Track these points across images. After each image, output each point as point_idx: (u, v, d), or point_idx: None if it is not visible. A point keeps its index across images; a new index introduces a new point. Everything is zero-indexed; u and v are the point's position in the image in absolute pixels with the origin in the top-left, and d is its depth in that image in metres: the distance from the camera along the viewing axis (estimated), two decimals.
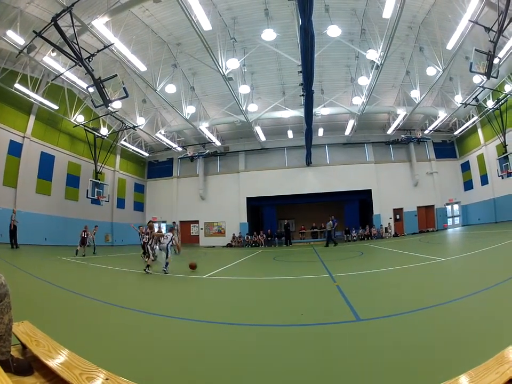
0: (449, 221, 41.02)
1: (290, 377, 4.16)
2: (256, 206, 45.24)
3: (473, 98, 30.58)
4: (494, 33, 19.04)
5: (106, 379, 2.71)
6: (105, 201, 35.92)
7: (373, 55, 23.13)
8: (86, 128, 33.20)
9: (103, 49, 20.87)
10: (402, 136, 38.32)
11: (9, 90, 26.26)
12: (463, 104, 30.81)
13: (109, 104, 24.51)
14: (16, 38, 21.41)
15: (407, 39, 25.89)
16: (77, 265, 18.61)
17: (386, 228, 39.02)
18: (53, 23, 17.49)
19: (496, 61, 21.70)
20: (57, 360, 3.10)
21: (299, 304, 8.40)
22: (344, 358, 4.68)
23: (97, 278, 14.84)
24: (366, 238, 37.70)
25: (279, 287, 11.22)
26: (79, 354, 3.23)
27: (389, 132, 38.27)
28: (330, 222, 31.98)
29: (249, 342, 5.64)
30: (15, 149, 28.47)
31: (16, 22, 21.11)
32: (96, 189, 33.60)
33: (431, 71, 26.22)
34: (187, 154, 42.44)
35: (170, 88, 28.97)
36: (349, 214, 41.98)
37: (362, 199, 42.04)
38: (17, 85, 26.40)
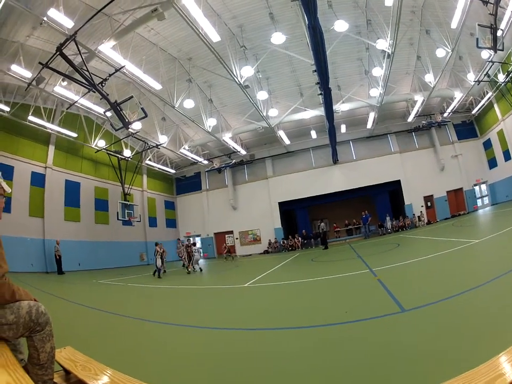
0: (479, 202, 40.36)
1: (346, 375, 4.18)
2: (289, 209, 45.14)
3: (484, 75, 30.10)
4: (492, 5, 19.02)
5: None
6: (137, 221, 36.13)
7: (383, 44, 22.98)
8: (108, 152, 33.58)
9: (114, 73, 21.04)
10: (423, 122, 37.82)
11: (23, 123, 26.62)
12: (476, 81, 30.33)
13: (129, 126, 24.69)
14: (22, 72, 21.66)
15: (412, 23, 25.63)
16: (114, 287, 18.88)
17: (419, 217, 38.57)
18: (58, 53, 17.65)
19: (499, 33, 21.52)
20: (106, 382, 3.10)
21: (343, 301, 8.49)
22: (393, 350, 4.69)
23: (132, 297, 15.06)
24: (400, 229, 37.19)
25: (322, 288, 11.23)
26: (129, 375, 3.16)
27: (409, 119, 37.86)
28: (323, 223, 32.17)
29: (298, 345, 5.62)
30: (37, 180, 28.93)
31: (18, 56, 21.32)
32: (126, 210, 33.98)
33: (440, 52, 25.96)
34: (214, 167, 42.63)
35: (189, 103, 29.02)
36: (380, 207, 41.50)
37: (392, 190, 41.70)
38: (31, 117, 26.67)
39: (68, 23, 17.68)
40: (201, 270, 24.54)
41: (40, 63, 19.10)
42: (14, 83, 24.58)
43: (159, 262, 21.68)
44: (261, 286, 13.70)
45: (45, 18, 17.38)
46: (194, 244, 27.76)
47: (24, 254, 25.43)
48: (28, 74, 21.94)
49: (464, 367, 2.27)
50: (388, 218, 38.34)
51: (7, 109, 25.28)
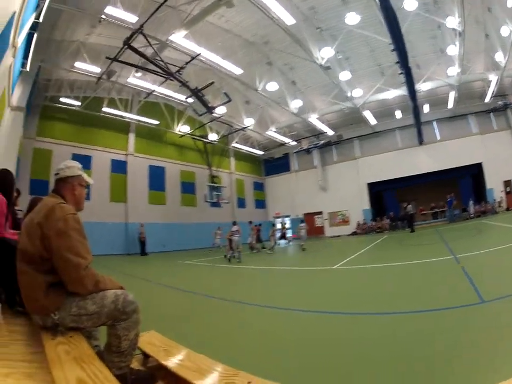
0: None
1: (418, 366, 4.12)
2: (377, 190, 44.51)
3: None
4: None
5: (249, 382, 2.60)
6: (225, 202, 37.21)
7: (452, 22, 22.24)
8: (193, 136, 34.76)
9: (190, 60, 21.41)
10: (499, 102, 35.49)
11: (98, 115, 28.02)
12: None
13: (213, 111, 25.36)
14: (89, 67, 22.55)
15: (473, 0, 23.97)
16: (200, 268, 19.36)
17: (499, 202, 36.56)
18: (126, 46, 18.15)
19: None
20: (189, 367, 3.02)
21: (428, 288, 8.40)
22: (461, 345, 4.57)
23: (220, 277, 15.45)
24: (481, 214, 35.55)
25: (406, 273, 11.17)
26: (216, 360, 3.13)
27: (486, 99, 35.58)
28: (410, 205, 31.64)
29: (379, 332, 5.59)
30: (118, 167, 30.41)
31: (81, 53, 21.96)
32: (214, 192, 35.33)
33: (504, 31, 24.29)
34: (302, 148, 42.66)
35: (272, 86, 29.31)
36: (464, 190, 40.00)
37: (475, 173, 39.59)
38: (105, 109, 27.81)
39: (131, 18, 18.05)
40: (303, 249, 24.55)
41: (108, 57, 19.78)
42: (82, 79, 25.60)
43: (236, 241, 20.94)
44: (350, 268, 13.69)
45: (103, 16, 17.84)
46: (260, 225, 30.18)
47: (105, 238, 26.71)
48: (96, 69, 22.83)
49: None
50: (470, 202, 36.70)
51: (77, 103, 26.45)
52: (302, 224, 26.86)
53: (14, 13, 11.18)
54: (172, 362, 3.17)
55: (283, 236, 29.37)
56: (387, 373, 4.06)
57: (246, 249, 23.02)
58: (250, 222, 29.98)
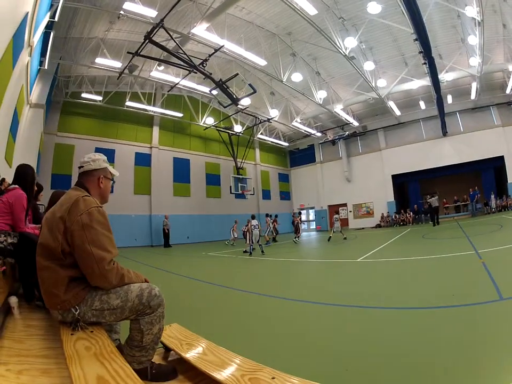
0: None
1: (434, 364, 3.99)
2: (401, 183, 44.26)
3: None
4: None
5: (272, 378, 2.50)
6: (250, 194, 36.84)
7: (471, 11, 21.85)
8: (218, 128, 34.46)
9: (214, 53, 21.36)
10: None
11: (121, 109, 28.42)
12: None
13: (238, 102, 25.42)
14: (110, 63, 22.87)
15: None
16: (223, 259, 19.48)
17: None
18: (147, 41, 18.25)
19: None
20: (211, 361, 2.94)
21: (448, 284, 8.25)
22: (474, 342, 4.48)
23: (243, 269, 15.46)
24: (503, 209, 35.03)
25: (428, 267, 11.05)
26: (238, 353, 3.06)
27: (507, 91, 34.55)
28: (434, 198, 31.40)
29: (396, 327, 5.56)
30: (142, 160, 30.91)
31: (101, 49, 22.24)
32: (239, 184, 34.63)
33: None
34: (327, 139, 42.93)
35: (296, 77, 29.23)
36: (486, 184, 39.14)
37: (497, 166, 38.75)
38: (128, 103, 28.11)
39: (151, 13, 18.19)
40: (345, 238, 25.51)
41: (129, 52, 19.89)
42: (103, 74, 26.14)
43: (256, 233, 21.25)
44: (374, 261, 13.65)
45: (122, 12, 18.00)
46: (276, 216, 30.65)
47: (129, 230, 27.27)
48: (117, 64, 23.13)
49: None
50: (492, 196, 36.26)
51: (99, 98, 26.94)
52: (336, 215, 27.24)
53: (27, 13, 11.28)
54: (194, 356, 3.11)
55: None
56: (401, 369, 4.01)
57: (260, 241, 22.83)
58: (267, 215, 30.26)
